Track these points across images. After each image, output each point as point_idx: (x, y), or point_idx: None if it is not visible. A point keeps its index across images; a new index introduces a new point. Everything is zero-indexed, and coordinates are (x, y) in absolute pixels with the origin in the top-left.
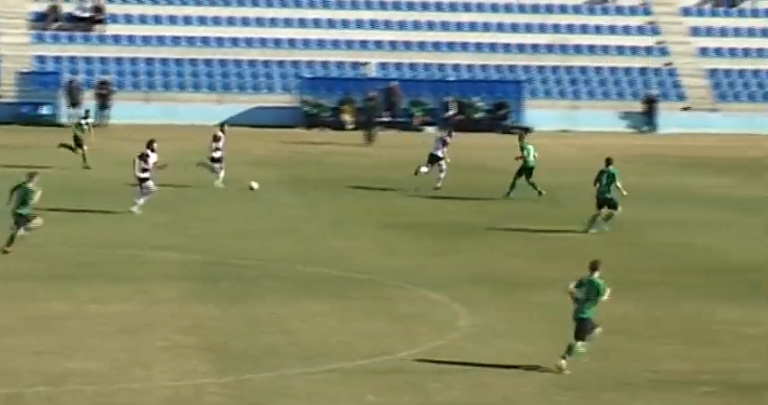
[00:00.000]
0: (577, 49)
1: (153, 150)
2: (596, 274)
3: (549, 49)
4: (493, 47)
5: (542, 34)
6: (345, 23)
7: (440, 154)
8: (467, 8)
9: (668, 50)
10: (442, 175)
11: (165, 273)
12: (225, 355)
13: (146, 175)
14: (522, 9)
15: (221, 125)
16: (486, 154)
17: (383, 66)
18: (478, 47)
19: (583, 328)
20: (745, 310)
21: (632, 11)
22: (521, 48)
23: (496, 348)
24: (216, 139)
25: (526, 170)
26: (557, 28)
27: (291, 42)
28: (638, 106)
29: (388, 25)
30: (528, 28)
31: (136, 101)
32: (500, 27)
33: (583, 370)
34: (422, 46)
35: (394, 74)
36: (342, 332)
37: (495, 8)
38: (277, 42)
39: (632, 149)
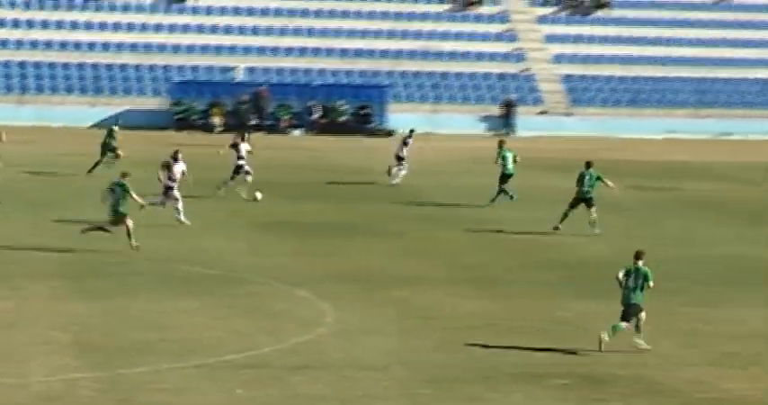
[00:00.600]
0: (438, 55)
1: (177, 160)
2: (641, 263)
3: (412, 54)
4: (357, 52)
5: (405, 41)
6: (214, 29)
7: (403, 154)
8: (332, 15)
9: (525, 57)
10: (402, 173)
11: (39, 270)
12: (97, 351)
13: (171, 183)
14: (385, 16)
15: (242, 135)
16: (350, 156)
17: (251, 70)
18: (343, 52)
19: (631, 312)
20: (598, 305)
21: (491, 19)
22: (384, 53)
23: (361, 344)
24: (236, 147)
25: (505, 176)
26: (419, 35)
27: (162, 47)
28: (496, 110)
29: (255, 31)
30: (391, 34)
31: (9, 103)
32: (364, 33)
33: (443, 364)
34: (288, 51)
35: (261, 78)
36: (212, 328)
37: (359, 15)
38: (148, 47)
39: (492, 152)
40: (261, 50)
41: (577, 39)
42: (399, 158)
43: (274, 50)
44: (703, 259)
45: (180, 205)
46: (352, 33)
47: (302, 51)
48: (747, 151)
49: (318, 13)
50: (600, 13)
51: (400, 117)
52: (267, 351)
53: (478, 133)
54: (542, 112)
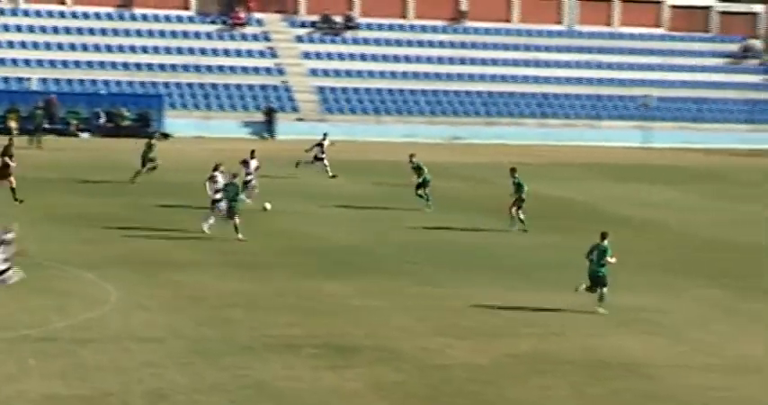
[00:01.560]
0: (209, 69)
1: (221, 172)
2: (605, 242)
3: (186, 68)
4: (138, 66)
5: (180, 56)
6: (11, 44)
7: (321, 156)
8: (115, 33)
9: (284, 71)
10: (327, 165)
11: None
12: None
13: (218, 196)
14: (162, 34)
15: (252, 152)
16: (131, 156)
17: (44, 81)
18: (125, 66)
19: (601, 282)
20: (346, 285)
21: (255, 37)
22: (161, 67)
23: (140, 320)
24: (245, 163)
25: (425, 183)
26: (192, 51)
27: None
28: (259, 117)
29: (48, 46)
30: (167, 50)
31: None
32: (144, 49)
33: (211, 337)
34: (77, 64)
35: (53, 87)
36: (7, 307)
37: (139, 33)
38: None
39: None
40: (52, 63)
41: (329, 55)
42: (317, 159)
43: (64, 63)
44: (433, 244)
45: (213, 220)
46: (133, 49)
47: (89, 64)
48: (473, 154)
49: (104, 31)
50: (349, 34)
51: (176, 122)
52: (58, 326)
53: (244, 137)
54: (299, 119)
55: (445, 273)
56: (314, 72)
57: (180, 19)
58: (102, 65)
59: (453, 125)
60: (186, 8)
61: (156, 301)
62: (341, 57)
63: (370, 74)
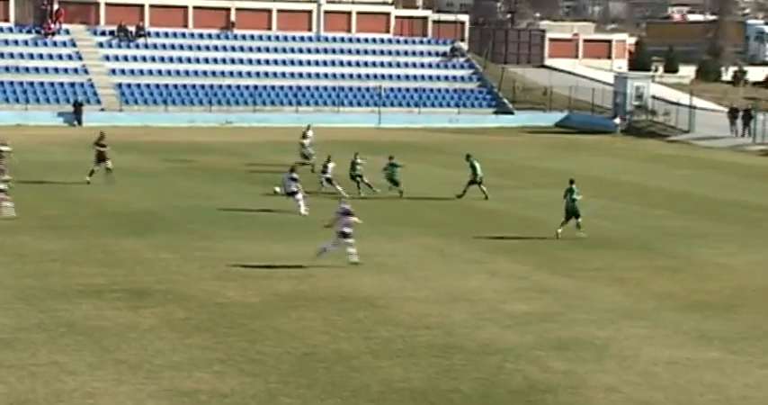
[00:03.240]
0: (27, 70)
1: (295, 172)
2: (573, 185)
3: (7, 69)
4: None
5: (2, 59)
6: None
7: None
8: None
9: (89, 71)
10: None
11: None
12: None
13: (294, 189)
14: None
15: (329, 157)
16: None
17: None
18: None
19: (576, 214)
20: (141, 242)
21: (64, 44)
22: None
23: None
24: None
25: (356, 176)
26: (12, 55)
27: None
28: (69, 108)
29: None
30: None
31: None
32: None
33: (31, 286)
34: None
35: None
36: None
37: None
38: None
39: (67, 138)
40: None
41: (125, 58)
42: (302, 145)
43: None
44: (209, 208)
45: (303, 204)
46: None
47: None
48: (242, 134)
49: None
50: (141, 40)
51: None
52: None
53: (57, 124)
54: (102, 109)
55: (219, 231)
56: (113, 71)
57: (1, 29)
58: None
59: (226, 112)
60: (6, 20)
61: None
62: (135, 59)
63: (159, 72)
